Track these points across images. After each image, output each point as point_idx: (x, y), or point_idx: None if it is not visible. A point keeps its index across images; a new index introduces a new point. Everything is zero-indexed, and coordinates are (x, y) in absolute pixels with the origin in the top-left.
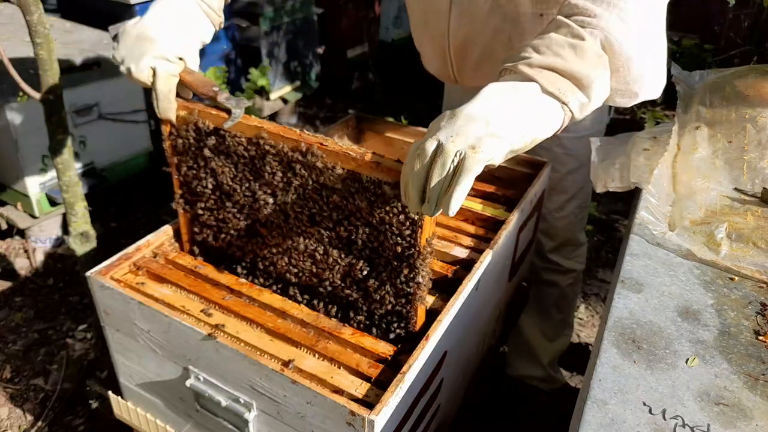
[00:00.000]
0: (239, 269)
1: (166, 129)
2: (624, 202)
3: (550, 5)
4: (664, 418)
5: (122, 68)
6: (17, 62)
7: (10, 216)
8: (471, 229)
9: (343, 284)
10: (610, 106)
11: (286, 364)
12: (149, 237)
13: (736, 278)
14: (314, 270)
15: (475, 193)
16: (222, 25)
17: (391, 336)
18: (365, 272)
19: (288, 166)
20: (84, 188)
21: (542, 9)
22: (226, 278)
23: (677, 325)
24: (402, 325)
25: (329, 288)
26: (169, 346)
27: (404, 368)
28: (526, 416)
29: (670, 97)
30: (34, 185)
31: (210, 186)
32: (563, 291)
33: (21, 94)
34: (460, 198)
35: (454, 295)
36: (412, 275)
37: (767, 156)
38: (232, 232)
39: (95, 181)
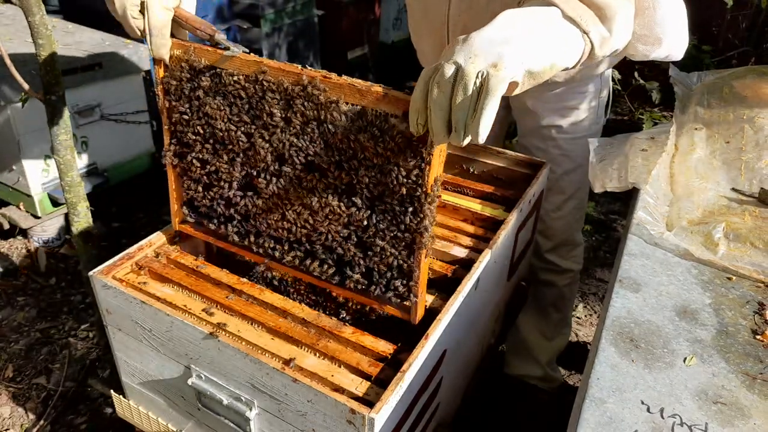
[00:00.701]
0: (230, 228)
1: (159, 71)
2: (622, 203)
3: None
4: (662, 416)
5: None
6: (19, 63)
7: (13, 216)
8: (470, 228)
9: (340, 237)
10: (607, 106)
11: (287, 362)
12: (151, 237)
13: (734, 278)
14: (310, 222)
15: (474, 194)
16: None
17: (389, 295)
18: (365, 222)
19: (288, 104)
20: (86, 188)
21: None
22: (227, 278)
23: (675, 324)
24: (404, 282)
25: (326, 243)
26: (170, 345)
27: (404, 367)
28: (525, 415)
29: (668, 98)
30: (36, 185)
31: (202, 132)
32: (561, 291)
33: (23, 94)
34: (488, 122)
35: (453, 295)
36: (416, 220)
37: (765, 156)
38: (223, 185)
39: (97, 182)
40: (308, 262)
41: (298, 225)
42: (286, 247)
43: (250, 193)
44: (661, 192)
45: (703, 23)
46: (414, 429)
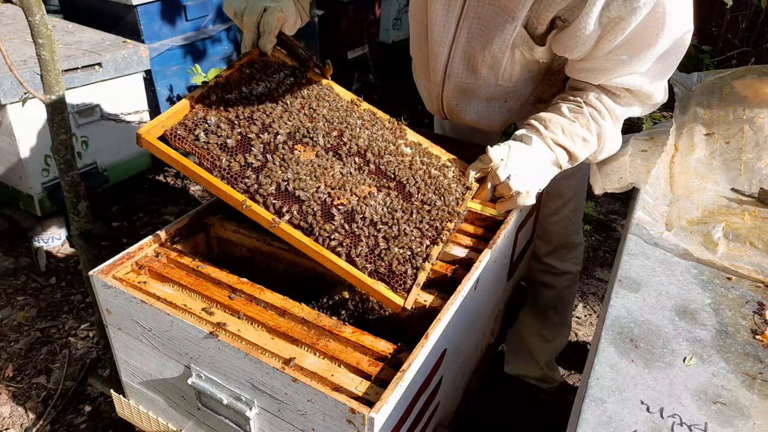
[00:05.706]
0: (231, 160)
1: (253, 55)
2: (622, 202)
3: (541, 69)
4: (662, 416)
5: (237, 12)
6: (20, 63)
7: (13, 216)
8: (470, 228)
9: (375, 206)
10: None
11: (287, 362)
12: (151, 236)
13: (734, 278)
14: (344, 186)
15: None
16: (305, 22)
17: (398, 272)
18: (404, 209)
19: (373, 121)
20: (86, 188)
21: (531, 72)
22: (227, 277)
23: (675, 324)
24: (414, 267)
25: (353, 208)
26: (170, 345)
27: (404, 366)
28: (525, 414)
29: (668, 98)
30: (36, 185)
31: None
32: (560, 293)
33: (24, 94)
34: (508, 208)
35: (453, 295)
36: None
37: (764, 156)
38: (252, 129)
39: (97, 181)
40: (313, 219)
41: (329, 187)
42: (288, 204)
43: (284, 149)
44: (660, 192)
45: (703, 23)
46: (414, 428)
